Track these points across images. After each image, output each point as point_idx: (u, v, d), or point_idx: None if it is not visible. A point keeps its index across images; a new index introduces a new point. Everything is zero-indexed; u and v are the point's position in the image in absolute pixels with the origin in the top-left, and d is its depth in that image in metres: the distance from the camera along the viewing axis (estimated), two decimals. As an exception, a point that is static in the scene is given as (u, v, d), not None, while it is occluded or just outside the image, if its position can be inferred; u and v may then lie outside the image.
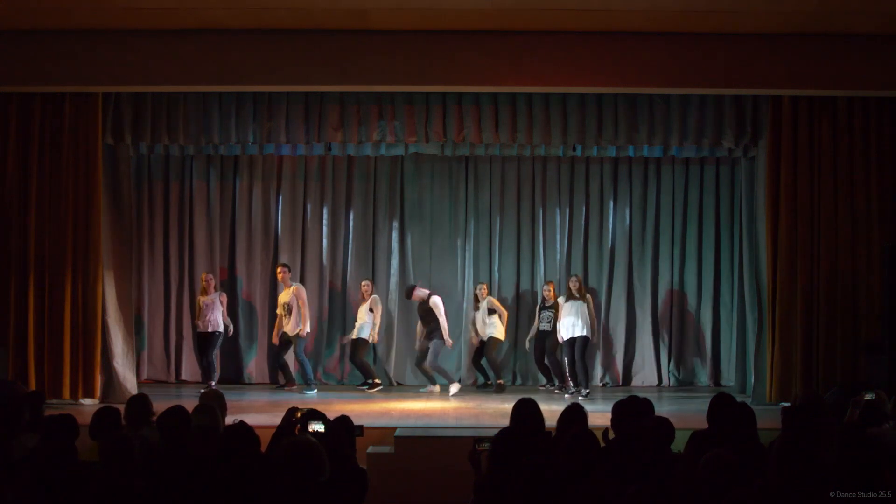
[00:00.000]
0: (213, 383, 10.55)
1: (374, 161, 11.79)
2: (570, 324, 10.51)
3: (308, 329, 10.89)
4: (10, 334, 9.62)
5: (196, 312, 10.94)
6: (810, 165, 9.84)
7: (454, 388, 10.66)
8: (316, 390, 10.71)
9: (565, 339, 10.55)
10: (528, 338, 11.23)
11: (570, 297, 10.63)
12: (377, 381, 10.93)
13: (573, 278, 10.79)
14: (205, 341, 10.79)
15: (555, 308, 10.88)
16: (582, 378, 10.44)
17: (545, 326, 10.94)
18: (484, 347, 11.08)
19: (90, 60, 9.53)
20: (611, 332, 11.83)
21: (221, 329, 10.82)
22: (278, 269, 11.03)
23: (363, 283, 11.22)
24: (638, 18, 9.09)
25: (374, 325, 11.01)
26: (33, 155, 9.74)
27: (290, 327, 10.82)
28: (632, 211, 11.86)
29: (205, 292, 10.81)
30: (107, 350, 9.88)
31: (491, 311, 11.05)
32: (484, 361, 11.17)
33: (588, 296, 10.78)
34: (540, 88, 9.74)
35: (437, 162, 11.80)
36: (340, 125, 9.98)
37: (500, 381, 10.89)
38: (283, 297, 10.93)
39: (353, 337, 11.01)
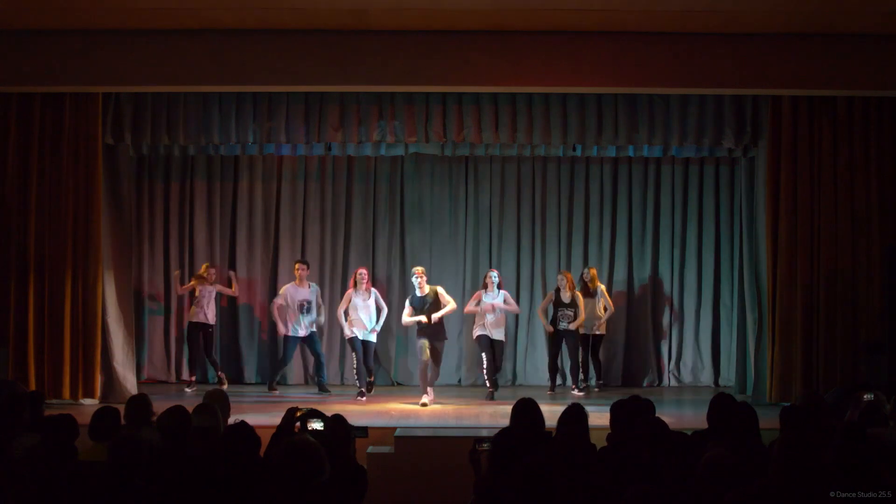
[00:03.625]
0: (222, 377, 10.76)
1: (374, 161, 11.79)
2: (592, 320, 10.65)
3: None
4: (10, 334, 9.61)
5: (195, 301, 10.86)
6: (810, 165, 9.84)
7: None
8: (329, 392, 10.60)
9: (583, 335, 10.71)
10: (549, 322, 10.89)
11: (586, 291, 10.70)
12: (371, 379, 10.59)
13: (587, 270, 10.86)
14: (207, 333, 10.81)
15: (574, 304, 10.63)
16: (585, 375, 10.59)
17: (566, 325, 10.63)
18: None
19: (90, 60, 9.53)
20: (611, 331, 11.82)
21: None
22: (297, 266, 10.73)
23: (360, 269, 10.43)
24: (638, 18, 9.09)
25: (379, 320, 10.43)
26: (33, 155, 9.74)
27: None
28: (632, 211, 11.86)
29: (205, 281, 10.82)
30: (107, 350, 9.88)
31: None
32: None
33: (601, 287, 10.85)
34: (540, 88, 9.74)
35: (437, 162, 11.80)
36: (340, 125, 9.97)
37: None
38: (301, 294, 10.63)
39: (371, 339, 10.38)
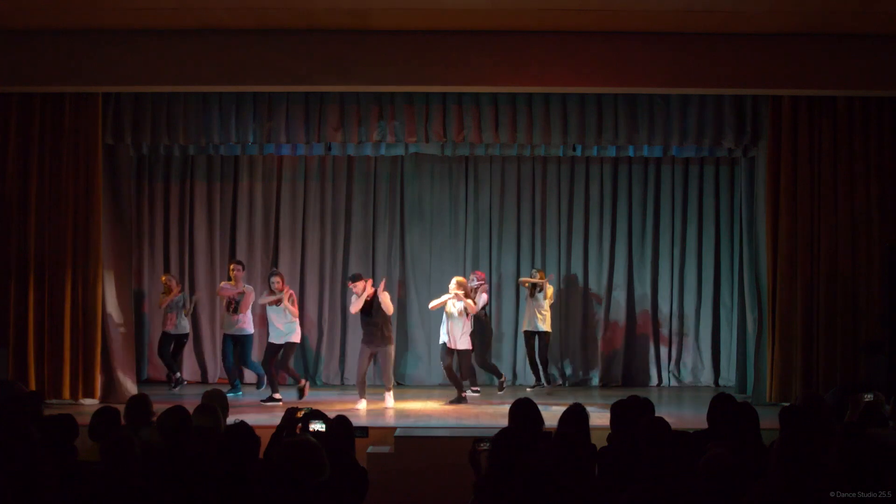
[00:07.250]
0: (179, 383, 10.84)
1: (374, 161, 11.79)
2: (538, 317, 10.88)
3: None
4: (10, 334, 9.62)
5: (170, 313, 10.90)
6: (810, 165, 9.84)
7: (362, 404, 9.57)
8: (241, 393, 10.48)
9: (534, 331, 10.91)
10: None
11: (532, 291, 10.96)
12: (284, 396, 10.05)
13: (535, 272, 11.06)
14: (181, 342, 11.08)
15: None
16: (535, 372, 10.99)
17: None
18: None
19: (90, 60, 9.53)
20: (611, 331, 11.83)
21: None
22: (231, 266, 10.57)
23: (276, 277, 10.10)
24: (638, 18, 9.09)
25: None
26: (33, 155, 9.75)
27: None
28: (632, 211, 11.87)
29: (169, 291, 10.86)
30: (107, 350, 9.88)
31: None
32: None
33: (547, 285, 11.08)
34: (540, 88, 9.75)
35: (437, 162, 11.80)
36: (340, 125, 9.97)
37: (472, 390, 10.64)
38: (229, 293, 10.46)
39: (291, 340, 10.09)
